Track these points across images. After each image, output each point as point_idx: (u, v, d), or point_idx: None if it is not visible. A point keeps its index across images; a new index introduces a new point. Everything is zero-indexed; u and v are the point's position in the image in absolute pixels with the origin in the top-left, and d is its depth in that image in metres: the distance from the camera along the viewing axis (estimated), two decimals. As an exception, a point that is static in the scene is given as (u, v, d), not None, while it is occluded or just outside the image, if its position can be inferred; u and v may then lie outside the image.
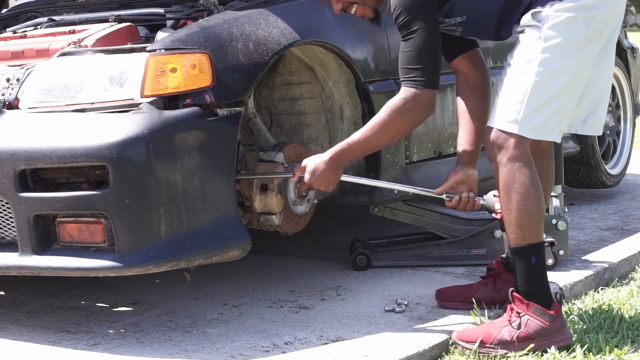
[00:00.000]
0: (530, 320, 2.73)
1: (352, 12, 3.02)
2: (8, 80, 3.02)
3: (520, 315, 2.74)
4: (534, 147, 2.98)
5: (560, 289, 3.21)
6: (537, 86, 2.72)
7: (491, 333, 2.75)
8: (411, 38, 2.80)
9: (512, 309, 2.76)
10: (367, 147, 2.93)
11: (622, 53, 5.15)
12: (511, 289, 2.80)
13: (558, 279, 3.37)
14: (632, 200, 5.04)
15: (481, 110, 3.03)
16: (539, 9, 2.74)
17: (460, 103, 3.06)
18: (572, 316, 3.05)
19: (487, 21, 2.88)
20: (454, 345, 2.85)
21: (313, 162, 2.93)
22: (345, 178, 3.03)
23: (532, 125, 2.73)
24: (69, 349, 2.85)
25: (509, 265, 3.10)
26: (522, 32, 2.79)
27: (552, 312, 2.73)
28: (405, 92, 2.82)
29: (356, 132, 2.90)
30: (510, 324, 2.74)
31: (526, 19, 2.77)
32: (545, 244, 3.40)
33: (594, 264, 3.66)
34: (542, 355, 2.72)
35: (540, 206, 2.75)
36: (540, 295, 2.75)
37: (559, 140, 2.85)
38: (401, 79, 2.84)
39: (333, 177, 2.94)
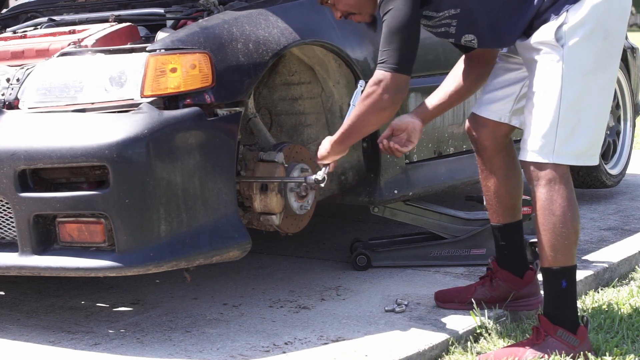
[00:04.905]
0: (556, 344, 2.68)
1: (351, 18, 2.97)
2: (8, 80, 3.02)
3: (547, 338, 2.70)
4: (494, 148, 2.96)
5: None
6: (567, 111, 2.64)
7: (515, 355, 2.69)
8: (385, 20, 2.70)
9: (538, 332, 2.73)
10: (352, 139, 2.92)
11: (622, 53, 5.13)
12: (538, 311, 2.76)
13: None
14: (632, 200, 5.03)
15: (463, 93, 2.96)
16: (557, 20, 2.63)
17: (457, 71, 2.96)
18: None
19: (483, 19, 2.75)
20: (454, 345, 2.85)
21: (327, 141, 2.95)
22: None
23: (570, 151, 2.67)
24: (69, 349, 2.85)
25: (504, 263, 3.10)
26: (539, 51, 2.68)
27: (577, 336, 2.69)
28: (374, 75, 2.75)
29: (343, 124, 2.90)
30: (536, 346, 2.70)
31: (544, 35, 2.65)
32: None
33: (593, 264, 3.66)
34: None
35: (576, 229, 2.69)
36: (568, 319, 2.71)
37: (597, 163, 2.76)
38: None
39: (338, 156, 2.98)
